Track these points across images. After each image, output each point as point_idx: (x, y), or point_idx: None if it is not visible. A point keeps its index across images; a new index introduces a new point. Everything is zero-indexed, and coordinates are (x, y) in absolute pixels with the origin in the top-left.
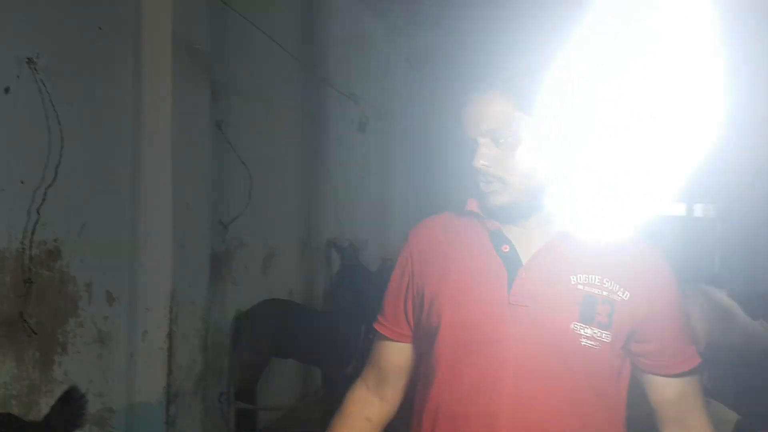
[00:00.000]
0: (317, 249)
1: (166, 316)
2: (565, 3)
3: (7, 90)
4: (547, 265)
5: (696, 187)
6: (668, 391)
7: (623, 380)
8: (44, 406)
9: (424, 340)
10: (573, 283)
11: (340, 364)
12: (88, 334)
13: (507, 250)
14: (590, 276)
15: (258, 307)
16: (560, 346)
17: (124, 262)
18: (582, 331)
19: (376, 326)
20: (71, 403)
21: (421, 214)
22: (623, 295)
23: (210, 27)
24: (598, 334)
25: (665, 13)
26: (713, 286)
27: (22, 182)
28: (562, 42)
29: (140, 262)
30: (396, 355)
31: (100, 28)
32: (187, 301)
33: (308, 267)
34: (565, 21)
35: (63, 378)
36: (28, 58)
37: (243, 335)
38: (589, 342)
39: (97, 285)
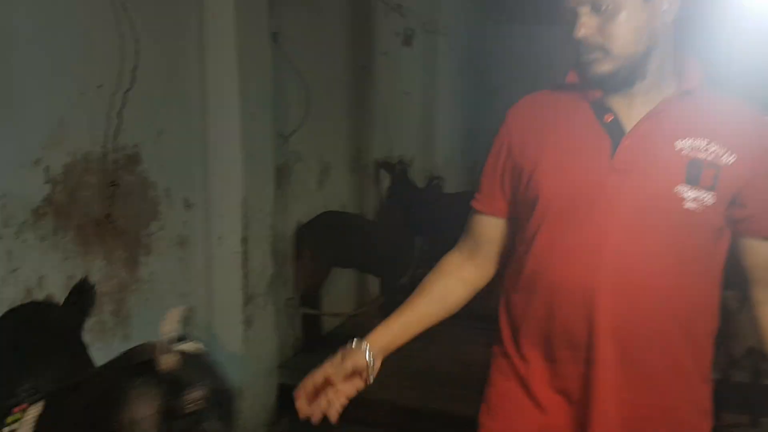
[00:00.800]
0: (367, 165)
1: (239, 221)
2: None
3: None
4: (651, 131)
5: None
6: (763, 252)
7: (721, 248)
8: (133, 303)
9: (522, 211)
10: (678, 148)
11: (397, 273)
12: (169, 237)
13: (610, 119)
14: (695, 140)
15: (318, 219)
16: (663, 209)
17: (199, 169)
18: (686, 194)
19: (472, 202)
20: (83, 292)
21: (466, 132)
22: (729, 157)
23: None
24: (703, 196)
25: None
26: None
27: (99, 86)
28: None
29: (213, 169)
30: (491, 228)
31: None
32: (257, 209)
33: (359, 183)
34: None
35: (149, 277)
36: None
37: (305, 245)
38: (692, 204)
39: (175, 190)
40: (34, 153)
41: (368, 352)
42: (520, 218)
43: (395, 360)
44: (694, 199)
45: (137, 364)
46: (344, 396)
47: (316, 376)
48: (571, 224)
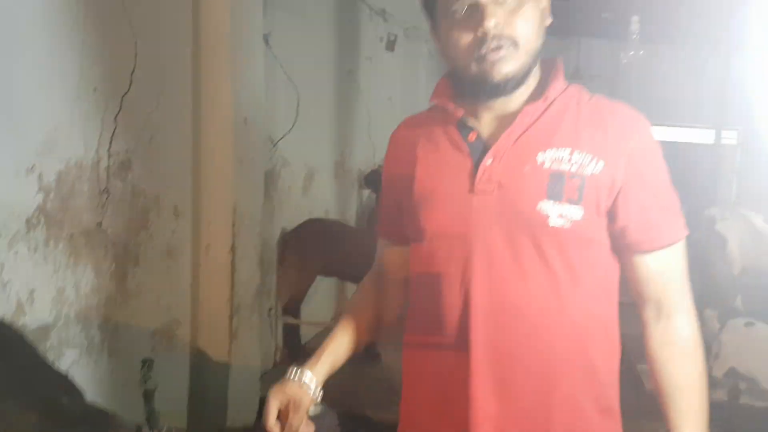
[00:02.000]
0: (350, 171)
1: (228, 230)
2: None
3: None
4: (513, 146)
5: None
6: (643, 268)
7: (614, 265)
8: (120, 317)
9: (411, 239)
10: (540, 161)
11: None
12: (158, 246)
13: (473, 138)
14: (557, 151)
15: (303, 226)
16: (530, 229)
17: (188, 177)
18: (549, 211)
19: (376, 227)
20: None
21: None
22: (595, 166)
23: None
24: (569, 211)
25: None
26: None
27: (94, 90)
28: None
29: (203, 176)
30: (390, 254)
31: None
32: (246, 217)
33: (342, 188)
34: None
35: (136, 290)
36: None
37: (290, 253)
38: (559, 220)
39: (164, 198)
40: (28, 160)
41: (315, 388)
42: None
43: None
44: (560, 215)
45: None
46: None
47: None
48: (443, 253)
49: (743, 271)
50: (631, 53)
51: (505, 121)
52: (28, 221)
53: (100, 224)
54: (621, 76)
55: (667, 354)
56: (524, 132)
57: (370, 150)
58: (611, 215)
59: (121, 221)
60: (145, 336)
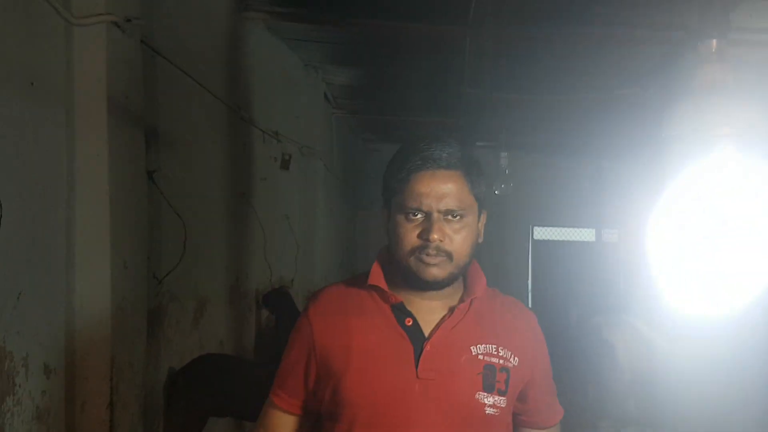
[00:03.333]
0: (247, 294)
1: (106, 384)
2: None
3: None
4: (449, 336)
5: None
6: None
7: None
8: None
9: (326, 412)
10: (474, 353)
11: None
12: (26, 411)
13: (410, 323)
14: (488, 345)
15: (192, 365)
16: (467, 416)
17: (61, 331)
18: (485, 400)
19: (272, 396)
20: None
21: (343, 247)
22: (514, 361)
23: (142, 76)
24: (498, 401)
25: None
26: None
27: None
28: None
29: (77, 328)
30: (289, 425)
31: (31, 83)
32: (126, 365)
33: (238, 314)
34: None
35: None
36: None
37: (178, 396)
38: (491, 410)
39: (33, 358)
40: None
41: None
42: (323, 416)
43: None
44: (492, 405)
45: None
46: None
47: None
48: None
49: (633, 378)
50: (503, 186)
51: (436, 312)
52: None
53: None
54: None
55: None
56: (457, 324)
57: (266, 271)
58: (521, 398)
59: None
60: None
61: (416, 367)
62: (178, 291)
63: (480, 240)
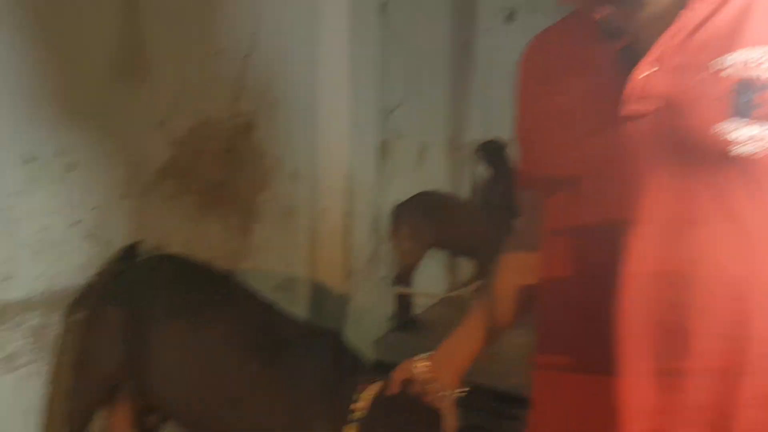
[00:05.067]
0: (464, 146)
1: (343, 195)
2: None
3: None
4: (680, 49)
5: None
6: None
7: None
8: (244, 269)
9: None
10: (716, 68)
11: (493, 257)
12: (278, 207)
13: (622, 46)
14: (745, 52)
15: (417, 198)
16: (702, 161)
17: (307, 141)
18: (732, 135)
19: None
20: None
21: None
22: None
23: None
24: (759, 133)
25: None
26: None
27: (219, 52)
28: None
29: (320, 141)
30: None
31: None
32: (360, 184)
33: (455, 164)
34: None
35: (258, 246)
36: None
37: (403, 224)
38: (744, 148)
39: (284, 161)
40: (159, 114)
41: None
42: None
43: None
44: (747, 140)
45: None
46: None
47: None
48: (585, 205)
49: None
50: None
51: (665, 19)
52: (159, 172)
53: (224, 182)
54: None
55: None
56: (696, 30)
57: (485, 128)
58: None
59: (244, 180)
60: (267, 290)
61: (621, 103)
62: (404, 130)
63: None
